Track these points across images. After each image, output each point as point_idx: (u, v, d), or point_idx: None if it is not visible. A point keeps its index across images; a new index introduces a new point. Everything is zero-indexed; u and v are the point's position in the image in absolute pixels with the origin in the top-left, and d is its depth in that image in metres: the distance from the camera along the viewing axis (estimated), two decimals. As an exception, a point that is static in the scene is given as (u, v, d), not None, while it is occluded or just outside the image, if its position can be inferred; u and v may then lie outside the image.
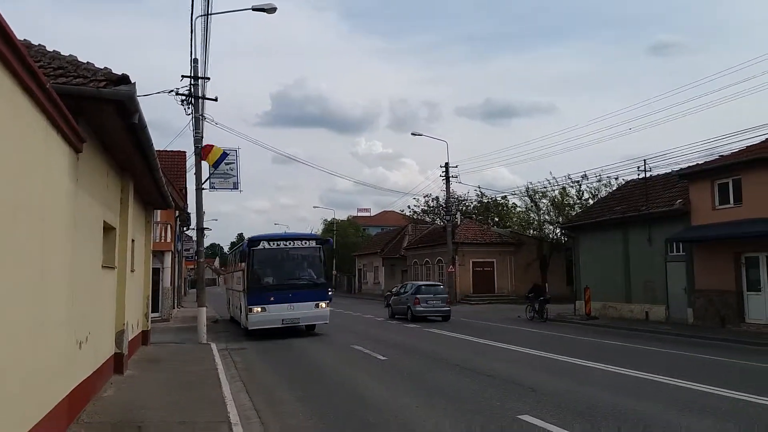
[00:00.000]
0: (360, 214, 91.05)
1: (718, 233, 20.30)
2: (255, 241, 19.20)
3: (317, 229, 77.59)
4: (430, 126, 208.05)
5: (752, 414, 8.29)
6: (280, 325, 18.50)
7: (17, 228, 4.99)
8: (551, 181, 42.49)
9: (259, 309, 18.28)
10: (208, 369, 12.20)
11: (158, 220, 24.67)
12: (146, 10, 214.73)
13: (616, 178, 36.98)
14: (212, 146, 19.03)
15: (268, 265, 19.06)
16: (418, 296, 26.11)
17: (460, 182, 56.00)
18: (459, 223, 47.82)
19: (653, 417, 8.02)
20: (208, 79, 18.53)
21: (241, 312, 20.35)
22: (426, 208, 60.15)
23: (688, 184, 22.50)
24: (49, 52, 7.85)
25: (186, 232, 40.74)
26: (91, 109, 7.30)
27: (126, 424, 7.57)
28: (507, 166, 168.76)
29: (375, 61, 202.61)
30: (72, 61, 7.52)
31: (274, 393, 10.32)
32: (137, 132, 8.25)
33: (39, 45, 8.01)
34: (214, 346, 16.24)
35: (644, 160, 25.61)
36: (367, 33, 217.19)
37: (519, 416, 8.06)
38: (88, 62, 7.58)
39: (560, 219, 41.81)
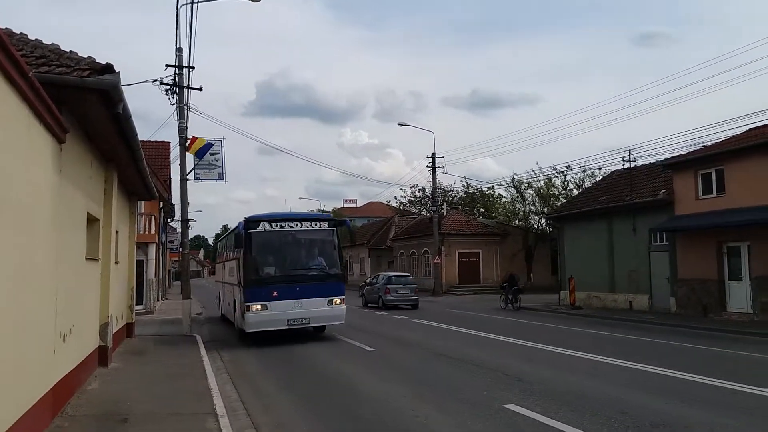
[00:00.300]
0: (346, 205, 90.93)
1: (701, 223, 20.53)
2: (253, 221, 15.37)
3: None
4: (416, 116, 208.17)
5: (735, 402, 8.42)
6: (285, 327, 14.99)
7: (-1, 219, 4.92)
8: (537, 172, 42.88)
9: (259, 307, 14.71)
10: (193, 361, 12.15)
11: (142, 211, 24.49)
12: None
13: (600, 169, 37.36)
14: (197, 138, 18.90)
15: (269, 252, 15.47)
16: (389, 286, 28.23)
17: (446, 173, 56.22)
18: (445, 213, 47.91)
19: (639, 405, 8.11)
20: (193, 68, 18.39)
21: (235, 310, 16.85)
22: (412, 198, 60.31)
23: (672, 174, 22.70)
24: (32, 40, 7.72)
25: (170, 224, 40.43)
26: (75, 99, 7.20)
27: (111, 416, 7.51)
28: (493, 156, 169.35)
29: (361, 50, 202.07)
30: (55, 49, 7.40)
31: (260, 384, 10.31)
32: (122, 122, 8.16)
33: (21, 33, 7.87)
34: (199, 338, 16.18)
35: (629, 151, 25.79)
36: (353, 22, 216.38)
37: (505, 406, 8.11)
38: (71, 51, 7.46)
39: (545, 209, 42.13)
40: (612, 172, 31.11)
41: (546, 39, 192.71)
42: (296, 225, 15.81)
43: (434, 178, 42.10)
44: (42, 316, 6.55)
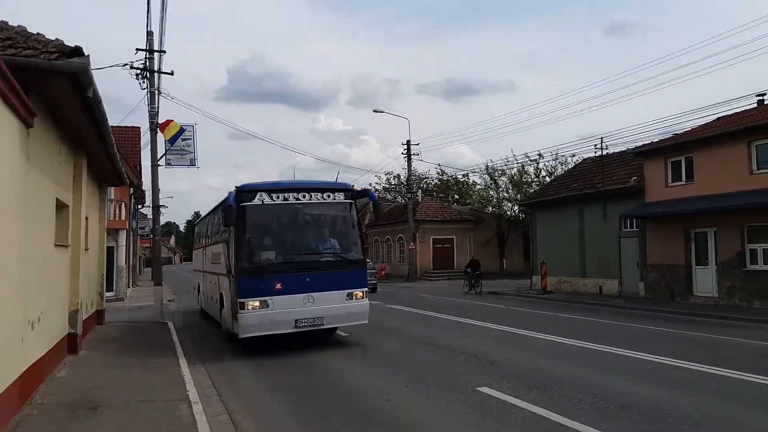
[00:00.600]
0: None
1: (670, 210, 20.92)
2: (248, 191, 11.73)
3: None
4: (391, 103, 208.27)
5: (702, 383, 8.65)
6: (292, 330, 11.53)
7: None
8: (510, 160, 43.26)
9: (257, 303, 11.21)
10: (165, 347, 12.05)
11: (112, 197, 24.13)
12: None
13: (573, 156, 37.79)
14: (171, 121, 18.56)
15: (269, 232, 12.03)
16: None
17: (421, 160, 56.27)
18: (420, 200, 48.12)
19: (608, 387, 8.28)
20: (164, 52, 18.11)
21: (222, 307, 13.50)
22: (387, 185, 60.32)
23: (643, 161, 23.07)
24: (-4, 21, 7.52)
25: (140, 210, 39.95)
26: (42, 83, 7.05)
27: (81, 404, 7.43)
28: (468, 144, 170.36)
29: (335, 36, 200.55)
30: (21, 31, 7.22)
31: (234, 370, 10.27)
32: (92, 106, 8.02)
33: (-16, 15, 7.66)
34: (171, 324, 16.04)
35: (601, 139, 26.16)
36: (328, 7, 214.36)
37: (478, 388, 8.23)
38: (38, 33, 7.29)
39: (518, 196, 42.55)
40: (584, 160, 31.50)
41: (519, 26, 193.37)
42: (304, 196, 12.15)
43: (409, 165, 42.24)
44: (9, 303, 6.44)
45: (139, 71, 17.63)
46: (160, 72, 18.08)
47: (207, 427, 6.43)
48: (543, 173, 44.11)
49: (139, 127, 31.42)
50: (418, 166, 64.86)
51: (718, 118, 21.74)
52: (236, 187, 11.84)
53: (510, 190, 46.04)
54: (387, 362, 10.61)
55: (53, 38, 7.15)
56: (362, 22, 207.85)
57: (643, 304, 20.37)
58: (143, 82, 17.90)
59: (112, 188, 22.32)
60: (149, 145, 18.76)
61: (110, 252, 22.66)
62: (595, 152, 27.03)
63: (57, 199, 9.42)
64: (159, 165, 18.77)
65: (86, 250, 12.50)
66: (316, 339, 13.20)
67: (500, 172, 45.43)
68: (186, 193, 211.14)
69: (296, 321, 11.48)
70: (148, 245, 49.60)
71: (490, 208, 47.73)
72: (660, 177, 21.98)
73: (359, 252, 12.51)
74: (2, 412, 6.09)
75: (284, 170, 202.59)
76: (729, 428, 6.52)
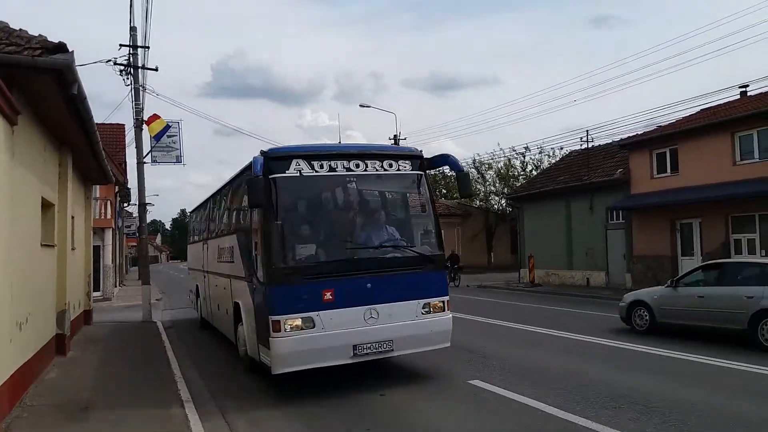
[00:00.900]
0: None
1: (656, 201, 21.10)
2: (279, 158, 8.07)
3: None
4: (377, 98, 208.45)
5: (692, 373, 8.78)
6: (348, 361, 7.92)
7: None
8: (497, 153, 43.43)
9: (299, 321, 7.63)
10: (155, 347, 11.96)
11: (97, 196, 23.90)
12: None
13: (561, 148, 37.98)
14: (158, 116, 18.25)
15: (312, 216, 8.42)
16: None
17: (407, 155, 56.12)
18: (407, 195, 47.96)
19: (599, 379, 8.34)
20: (148, 48, 17.89)
21: (238, 323, 9.78)
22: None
23: (628, 154, 23.22)
24: (-23, 18, 7.39)
25: (126, 208, 39.58)
26: (26, 80, 6.94)
27: (71, 405, 7.35)
28: (454, 138, 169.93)
29: (319, 31, 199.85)
30: (3, 27, 7.09)
31: (224, 369, 10.21)
32: (76, 103, 7.91)
33: (-36, 11, 7.53)
34: (159, 323, 15.93)
35: (587, 131, 26.39)
36: (311, 1, 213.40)
37: (469, 381, 8.27)
38: (21, 29, 7.17)
39: (505, 190, 42.71)
40: (570, 153, 31.68)
41: (502, 19, 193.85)
42: (358, 165, 8.37)
43: (396, 160, 42.03)
44: (-3, 304, 6.35)
45: (123, 67, 17.42)
46: (144, 68, 17.87)
47: (201, 428, 6.38)
48: (529, 167, 44.31)
49: (123, 125, 31.18)
50: (405, 161, 64.70)
51: (702, 110, 21.93)
52: (262, 152, 8.14)
53: (497, 184, 46.19)
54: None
55: (36, 34, 7.03)
56: (345, 16, 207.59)
57: (631, 295, 20.47)
58: (127, 79, 17.68)
59: (98, 186, 22.10)
60: (134, 142, 18.58)
61: (96, 251, 22.47)
62: (581, 145, 27.21)
63: (42, 198, 9.30)
64: (145, 162, 18.57)
65: (73, 249, 12.37)
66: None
67: (487, 165, 45.59)
68: (171, 191, 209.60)
69: (354, 347, 7.87)
70: (134, 244, 49.18)
71: (478, 201, 47.84)
72: (645, 169, 22.13)
73: (437, 244, 8.78)
74: (-9, 414, 6.01)
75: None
76: (709, 413, 6.59)
